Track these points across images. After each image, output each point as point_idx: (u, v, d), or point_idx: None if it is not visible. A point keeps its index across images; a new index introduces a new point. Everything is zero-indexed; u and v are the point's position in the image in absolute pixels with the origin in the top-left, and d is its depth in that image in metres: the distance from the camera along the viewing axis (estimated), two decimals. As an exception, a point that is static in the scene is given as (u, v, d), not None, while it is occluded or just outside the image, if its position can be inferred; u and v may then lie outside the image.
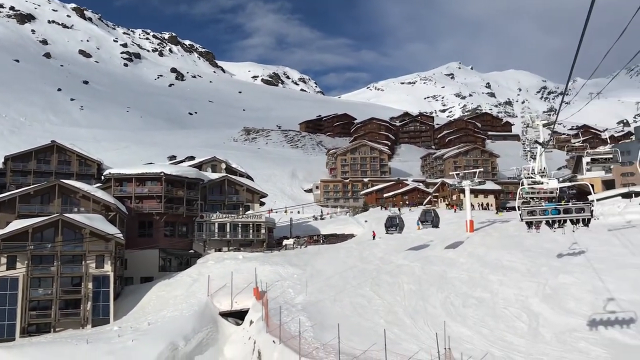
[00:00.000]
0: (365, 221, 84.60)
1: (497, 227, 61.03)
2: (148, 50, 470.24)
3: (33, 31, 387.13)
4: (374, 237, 67.44)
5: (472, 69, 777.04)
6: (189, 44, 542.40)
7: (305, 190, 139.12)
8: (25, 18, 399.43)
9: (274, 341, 32.79)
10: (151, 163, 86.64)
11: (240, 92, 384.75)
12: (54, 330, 46.15)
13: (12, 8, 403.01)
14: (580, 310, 31.77)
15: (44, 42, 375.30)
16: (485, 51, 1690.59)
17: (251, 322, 40.86)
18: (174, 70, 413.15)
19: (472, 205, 67.14)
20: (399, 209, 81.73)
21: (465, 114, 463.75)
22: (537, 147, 31.49)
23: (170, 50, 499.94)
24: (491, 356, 27.61)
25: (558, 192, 29.39)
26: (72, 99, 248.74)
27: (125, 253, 57.17)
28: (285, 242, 71.52)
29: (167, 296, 49.89)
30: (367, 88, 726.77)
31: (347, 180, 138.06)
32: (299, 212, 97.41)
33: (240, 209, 70.28)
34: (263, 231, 68.96)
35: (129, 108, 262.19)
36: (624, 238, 43.27)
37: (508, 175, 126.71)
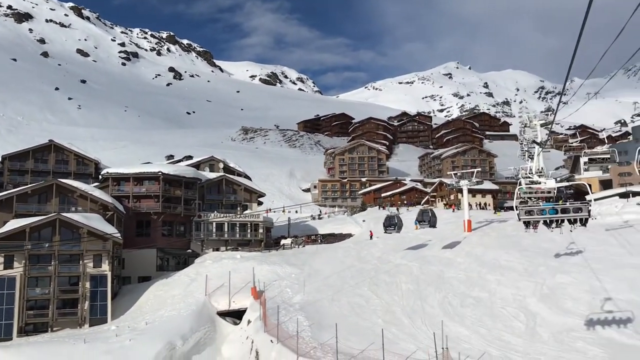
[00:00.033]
0: (363, 221, 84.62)
1: (495, 226, 61.13)
2: (146, 50, 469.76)
3: (30, 30, 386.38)
4: (371, 237, 67.50)
5: (470, 68, 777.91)
6: (187, 44, 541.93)
7: (303, 190, 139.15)
8: (22, 17, 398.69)
9: (271, 341, 32.79)
10: (149, 162, 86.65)
11: (238, 92, 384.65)
12: (52, 329, 46.04)
13: (9, 7, 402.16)
14: (578, 310, 31.84)
15: (42, 41, 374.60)
16: (483, 51, 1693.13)
17: (249, 322, 40.84)
18: (171, 69, 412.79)
19: (469, 205, 67.22)
20: (397, 209, 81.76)
21: (463, 113, 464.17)
22: (534, 147, 31.53)
23: (168, 50, 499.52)
24: (489, 356, 27.64)
25: (555, 192, 29.43)
26: (69, 98, 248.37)
27: (123, 252, 57.09)
28: (283, 241, 71.48)
29: (165, 296, 49.83)
30: (365, 88, 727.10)
31: (345, 180, 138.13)
32: (296, 211, 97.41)
33: (238, 208, 70.22)
34: (261, 231, 68.91)
35: (126, 107, 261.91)
36: (622, 238, 43.38)
37: (506, 175, 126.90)
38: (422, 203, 77.90)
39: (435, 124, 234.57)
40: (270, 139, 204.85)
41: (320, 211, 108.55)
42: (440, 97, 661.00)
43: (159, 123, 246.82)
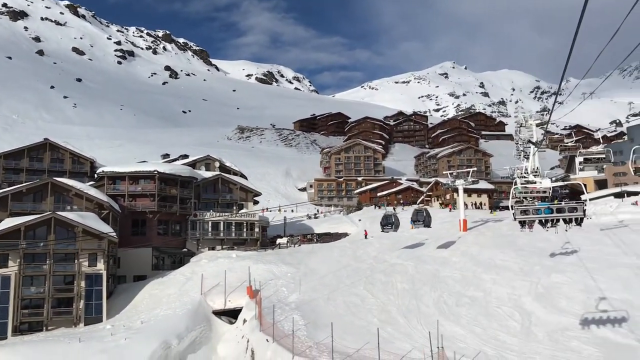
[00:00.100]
0: (359, 220, 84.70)
1: (491, 226, 61.26)
2: (142, 48, 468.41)
3: (26, 28, 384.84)
4: (365, 236, 67.60)
5: (466, 68, 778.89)
6: (183, 42, 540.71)
7: (299, 189, 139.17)
8: (18, 15, 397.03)
9: (267, 340, 32.77)
10: (144, 161, 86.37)
11: (234, 91, 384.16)
12: (47, 328, 45.92)
13: (4, 5, 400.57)
14: (573, 309, 31.93)
15: (37, 39, 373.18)
16: (479, 51, 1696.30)
17: (244, 321, 40.82)
18: (167, 68, 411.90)
19: (465, 205, 67.37)
20: (394, 208, 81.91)
21: (459, 113, 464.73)
22: (530, 147, 31.63)
23: (164, 48, 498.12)
24: (484, 355, 27.70)
25: (551, 191, 29.51)
26: (65, 97, 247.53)
27: (118, 251, 56.97)
28: (279, 240, 71.47)
29: (160, 295, 49.74)
30: (361, 87, 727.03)
31: (341, 179, 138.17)
32: (292, 210, 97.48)
33: (234, 207, 70.21)
34: (257, 230, 68.88)
35: (122, 106, 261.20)
36: (616, 237, 43.53)
37: (501, 175, 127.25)
38: (417, 202, 78.01)
39: (431, 123, 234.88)
40: (266, 138, 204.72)
41: (318, 210, 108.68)
42: (436, 97, 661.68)
43: (155, 122, 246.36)
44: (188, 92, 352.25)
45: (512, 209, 29.01)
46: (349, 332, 32.57)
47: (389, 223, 50.50)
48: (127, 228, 61.93)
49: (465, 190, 68.98)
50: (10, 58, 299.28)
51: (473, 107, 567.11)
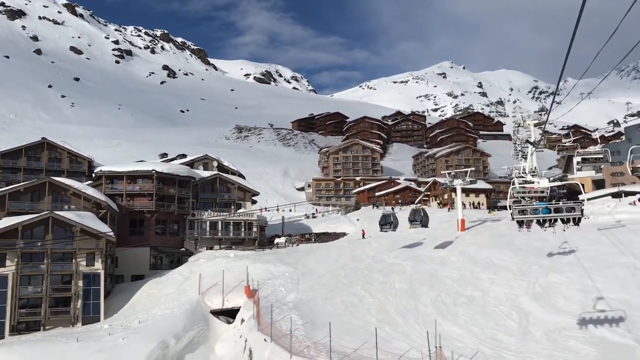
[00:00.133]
0: (357, 220, 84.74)
1: (488, 226, 61.33)
2: (140, 48, 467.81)
3: (24, 27, 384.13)
4: (363, 236, 67.64)
5: (464, 68, 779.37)
6: (181, 42, 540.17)
7: (297, 189, 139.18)
8: (15, 14, 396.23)
9: (265, 339, 32.76)
10: (142, 161, 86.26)
11: (232, 90, 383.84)
12: (44, 328, 45.87)
13: (2, 4, 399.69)
14: (570, 309, 31.97)
15: (35, 38, 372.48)
16: (477, 51, 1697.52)
17: (242, 321, 40.80)
18: (165, 67, 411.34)
19: (463, 204, 67.44)
20: (392, 208, 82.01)
21: (457, 113, 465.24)
22: (528, 147, 31.65)
23: (162, 48, 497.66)
24: (482, 354, 27.72)
25: (549, 191, 29.54)
26: (63, 96, 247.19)
27: (116, 251, 56.90)
28: (277, 240, 71.48)
29: (158, 294, 49.70)
30: (360, 87, 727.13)
31: (339, 179, 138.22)
32: (290, 210, 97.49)
33: (232, 207, 70.20)
34: (255, 229, 68.88)
35: (120, 105, 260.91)
36: (614, 237, 43.60)
37: (499, 175, 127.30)
38: (415, 202, 78.10)
39: (429, 123, 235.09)
40: (265, 137, 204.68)
41: (317, 210, 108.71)
42: (435, 97, 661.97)
43: (153, 121, 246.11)
44: (186, 91, 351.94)
45: (510, 209, 29.04)
46: (346, 332, 32.57)
47: (388, 222, 50.70)
48: (125, 227, 61.88)
49: (463, 190, 69.00)
50: (7, 57, 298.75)
51: (471, 107, 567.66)
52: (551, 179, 37.77)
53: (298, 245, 68.77)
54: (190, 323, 41.58)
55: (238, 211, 69.31)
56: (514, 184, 30.04)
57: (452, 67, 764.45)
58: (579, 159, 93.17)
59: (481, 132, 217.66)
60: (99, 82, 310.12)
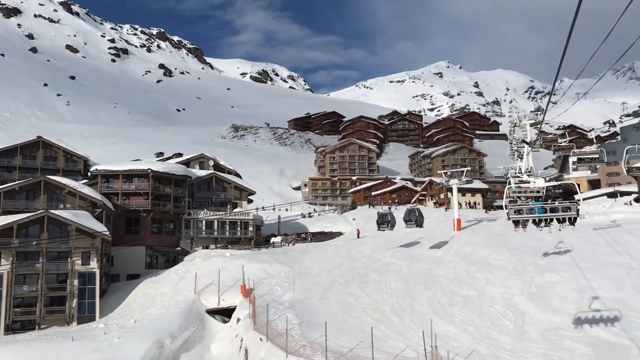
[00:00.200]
0: (354, 219, 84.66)
1: (484, 225, 61.43)
2: (136, 46, 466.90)
3: (19, 25, 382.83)
4: (358, 236, 67.66)
5: (460, 68, 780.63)
6: (178, 40, 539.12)
7: (293, 188, 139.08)
8: (11, 12, 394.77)
9: (261, 339, 32.74)
10: (138, 159, 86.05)
11: (228, 89, 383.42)
12: (39, 327, 45.71)
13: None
14: (566, 308, 32.05)
15: (30, 36, 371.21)
16: (473, 51, 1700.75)
17: (238, 320, 40.77)
18: (162, 66, 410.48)
19: (459, 204, 67.53)
20: (389, 207, 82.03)
21: (454, 113, 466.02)
22: (524, 147, 31.72)
23: (159, 46, 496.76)
24: (477, 354, 27.76)
25: (544, 191, 29.60)
26: (58, 94, 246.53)
27: (112, 250, 56.75)
28: (273, 239, 71.37)
29: (154, 293, 49.59)
30: (356, 86, 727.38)
31: (336, 178, 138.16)
32: (287, 209, 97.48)
33: (228, 206, 70.08)
34: (251, 229, 68.79)
35: (116, 104, 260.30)
36: (609, 237, 43.72)
37: (495, 174, 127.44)
38: (412, 202, 78.12)
39: (425, 123, 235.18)
40: (261, 136, 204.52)
41: (315, 209, 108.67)
42: (431, 96, 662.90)
43: (149, 120, 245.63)
44: (182, 90, 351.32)
45: (506, 209, 29.08)
46: (342, 331, 32.59)
47: (385, 222, 50.72)
48: (121, 226, 61.71)
49: (459, 190, 69.15)
50: (3, 55, 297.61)
51: (467, 107, 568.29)
52: (547, 178, 37.91)
53: (294, 244, 68.70)
54: (186, 322, 41.52)
55: (234, 210, 69.21)
56: (510, 183, 30.08)
57: (448, 67, 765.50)
58: (574, 159, 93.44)
59: (477, 132, 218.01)
60: (94, 81, 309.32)
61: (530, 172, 30.23)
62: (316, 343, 29.96)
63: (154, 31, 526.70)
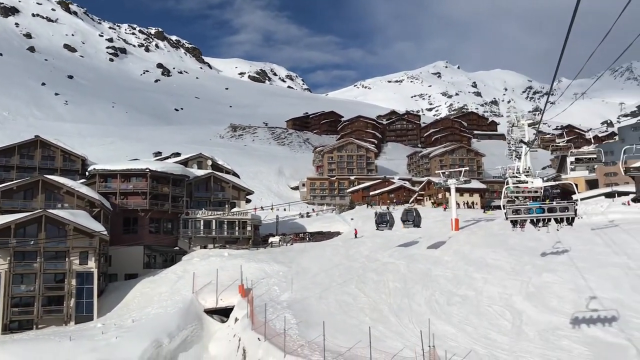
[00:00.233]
0: (352, 219, 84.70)
1: (482, 225, 61.50)
2: (134, 46, 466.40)
3: (17, 24, 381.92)
4: (355, 236, 67.72)
5: (458, 68, 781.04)
6: (176, 40, 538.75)
7: (291, 188, 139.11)
8: (9, 11, 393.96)
9: (259, 338, 32.72)
10: (136, 159, 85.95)
11: (227, 89, 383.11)
12: (37, 327, 45.64)
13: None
14: (563, 308, 32.09)
15: (28, 35, 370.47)
16: (472, 51, 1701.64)
17: (236, 320, 40.75)
18: (160, 65, 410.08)
19: (457, 204, 67.59)
20: (388, 207, 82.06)
21: (452, 113, 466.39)
22: (522, 147, 31.76)
23: (157, 46, 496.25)
24: (475, 354, 27.78)
25: (542, 191, 29.63)
26: (56, 94, 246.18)
27: (110, 249, 56.70)
28: (271, 239, 71.39)
29: (152, 293, 49.55)
30: (355, 86, 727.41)
31: (334, 178, 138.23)
32: (285, 209, 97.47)
33: (226, 206, 70.04)
34: (249, 228, 68.80)
35: (114, 103, 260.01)
36: (607, 237, 43.79)
37: (493, 174, 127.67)
38: (410, 202, 78.16)
39: (423, 122, 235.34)
40: (259, 136, 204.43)
41: (314, 209, 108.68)
42: (429, 96, 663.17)
43: (147, 119, 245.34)
44: (180, 89, 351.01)
45: (504, 209, 29.10)
46: (340, 331, 32.58)
47: (384, 221, 50.78)
48: (119, 226, 61.66)
49: (458, 190, 69.20)
50: (1, 54, 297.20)
51: (465, 107, 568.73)
52: (545, 178, 37.93)
53: (292, 244, 68.73)
54: (184, 322, 41.50)
55: (232, 210, 69.18)
56: (507, 183, 30.11)
57: (446, 67, 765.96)
58: (572, 159, 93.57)
59: (475, 132, 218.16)
60: (92, 80, 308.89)
61: (528, 172, 30.28)
62: (314, 343, 29.96)
63: (152, 31, 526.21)
